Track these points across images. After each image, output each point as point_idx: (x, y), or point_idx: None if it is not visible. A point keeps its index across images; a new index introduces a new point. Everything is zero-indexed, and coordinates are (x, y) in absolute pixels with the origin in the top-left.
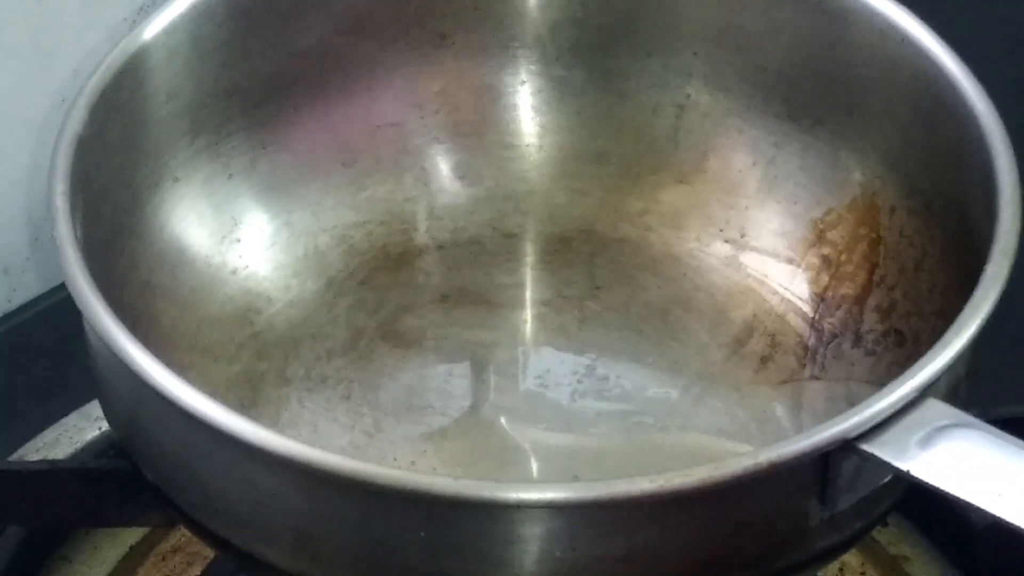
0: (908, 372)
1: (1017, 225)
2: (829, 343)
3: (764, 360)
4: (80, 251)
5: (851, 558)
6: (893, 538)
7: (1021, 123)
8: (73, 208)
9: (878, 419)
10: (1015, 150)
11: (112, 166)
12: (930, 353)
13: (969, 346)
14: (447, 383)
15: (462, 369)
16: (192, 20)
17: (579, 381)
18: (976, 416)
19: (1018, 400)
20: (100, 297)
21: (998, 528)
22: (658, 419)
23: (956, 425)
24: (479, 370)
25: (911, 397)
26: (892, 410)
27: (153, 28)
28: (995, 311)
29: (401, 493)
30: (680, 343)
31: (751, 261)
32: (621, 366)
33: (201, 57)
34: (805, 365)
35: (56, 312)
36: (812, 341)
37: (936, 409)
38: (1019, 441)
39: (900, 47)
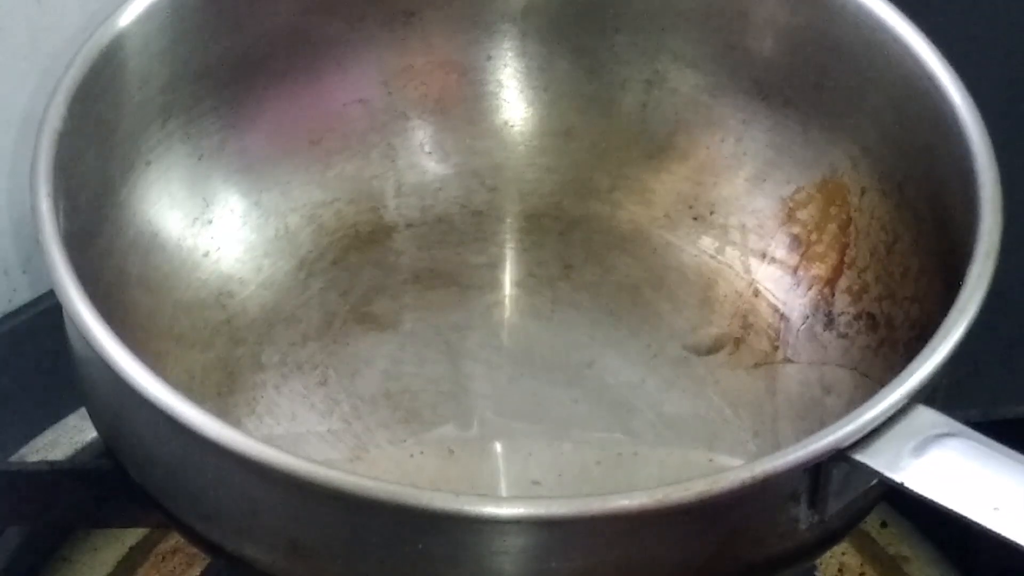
0: (898, 379)
1: (999, 224)
2: (801, 325)
3: (737, 342)
4: (67, 256)
5: (851, 559)
6: (893, 538)
7: (1000, 114)
8: (55, 205)
9: (870, 427)
10: (995, 144)
11: (88, 157)
12: (918, 358)
13: (957, 349)
14: (422, 368)
15: (437, 354)
16: (166, 6)
17: (553, 365)
18: (976, 417)
19: (1018, 400)
20: (91, 306)
21: None
22: (632, 403)
23: (948, 435)
24: (454, 354)
25: (902, 404)
26: (883, 418)
27: (127, 17)
28: (993, 312)
29: (398, 509)
30: (652, 325)
31: (721, 239)
32: (594, 349)
33: (173, 42)
34: (778, 347)
35: (56, 313)
36: (783, 323)
37: (926, 416)
38: (1010, 451)
39: (874, 33)
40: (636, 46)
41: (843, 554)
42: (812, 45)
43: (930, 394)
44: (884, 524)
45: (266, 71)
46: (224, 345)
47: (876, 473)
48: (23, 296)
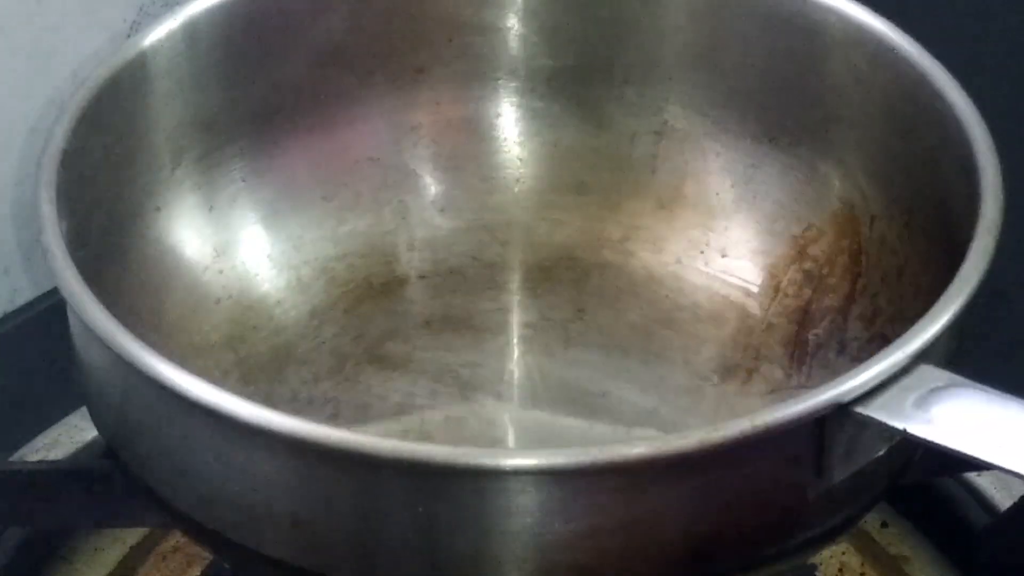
0: (900, 340)
1: (1000, 202)
2: (814, 354)
3: (750, 373)
4: (67, 251)
5: (851, 559)
6: (893, 539)
7: (999, 121)
8: (58, 217)
9: (873, 383)
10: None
11: (96, 188)
12: (921, 321)
13: (958, 317)
14: (434, 401)
15: (450, 389)
16: (176, 45)
17: (566, 399)
18: None
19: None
20: (87, 289)
21: (998, 529)
22: (647, 427)
23: (951, 386)
24: (466, 389)
25: (904, 363)
26: (886, 374)
27: (138, 48)
28: (993, 314)
29: (398, 463)
30: (665, 360)
31: (732, 280)
32: (607, 384)
33: (182, 84)
34: (791, 376)
35: (57, 313)
36: (797, 352)
37: (929, 373)
38: (1015, 397)
39: (875, 53)
40: (644, 97)
41: (843, 554)
42: (816, 79)
43: (940, 360)
44: (884, 524)
45: (277, 124)
46: (234, 385)
47: (879, 424)
48: (24, 296)
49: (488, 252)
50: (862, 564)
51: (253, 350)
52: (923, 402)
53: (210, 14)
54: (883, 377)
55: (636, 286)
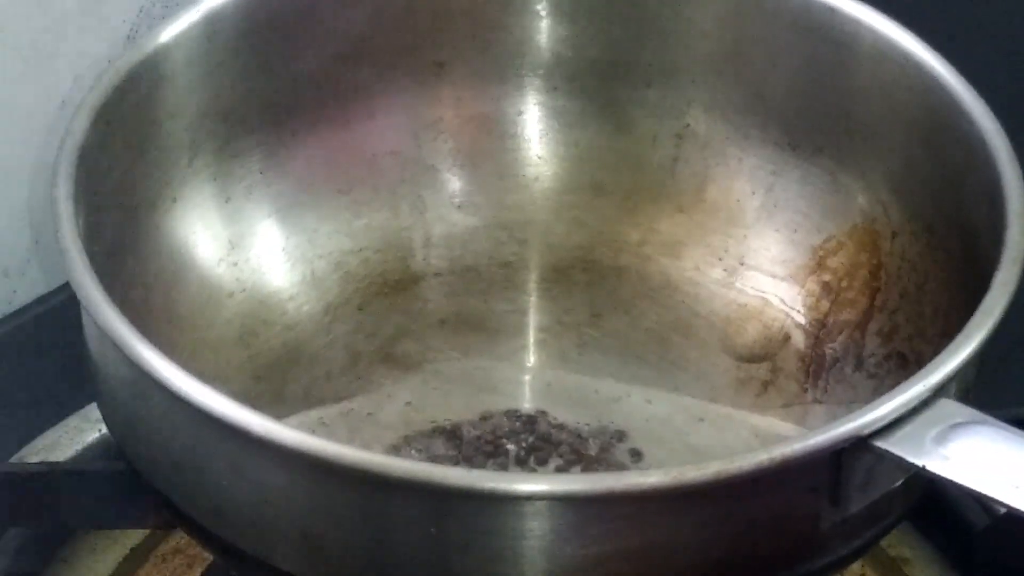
0: (921, 373)
1: None
2: (831, 368)
3: (765, 385)
4: (84, 251)
5: None
6: (893, 539)
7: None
8: (75, 216)
9: (892, 417)
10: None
11: (112, 181)
12: (943, 354)
13: (980, 350)
14: (447, 400)
15: (462, 391)
16: (196, 37)
17: (580, 405)
18: None
19: (1018, 402)
20: (103, 293)
21: (998, 529)
22: (660, 435)
23: (970, 422)
24: (479, 390)
25: (925, 396)
26: (906, 408)
27: (158, 41)
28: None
29: (413, 485)
30: (681, 369)
31: (750, 288)
32: (622, 390)
33: (202, 76)
34: (807, 389)
35: (57, 314)
36: (813, 366)
37: (949, 408)
38: None
39: (902, 68)
40: (666, 99)
41: None
42: (841, 90)
43: (961, 392)
44: None
45: (296, 116)
46: (245, 381)
47: (897, 459)
48: (24, 297)
49: (504, 251)
50: (862, 565)
51: (265, 346)
52: (942, 438)
53: (230, 7)
54: (903, 411)
55: (653, 291)
